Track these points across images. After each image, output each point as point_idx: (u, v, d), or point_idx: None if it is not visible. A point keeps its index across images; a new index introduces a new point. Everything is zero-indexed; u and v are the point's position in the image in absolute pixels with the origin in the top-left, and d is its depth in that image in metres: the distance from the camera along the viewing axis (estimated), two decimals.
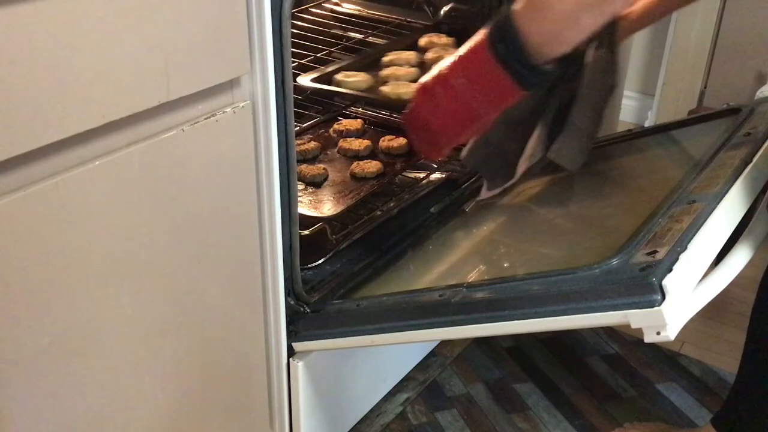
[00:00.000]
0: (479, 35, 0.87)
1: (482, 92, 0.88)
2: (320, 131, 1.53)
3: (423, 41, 1.52)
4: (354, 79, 1.40)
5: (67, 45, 0.68)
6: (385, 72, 1.44)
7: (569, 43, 0.83)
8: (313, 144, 1.45)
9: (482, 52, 0.86)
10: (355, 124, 1.52)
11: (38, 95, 0.67)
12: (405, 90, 1.35)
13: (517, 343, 1.49)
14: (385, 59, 1.48)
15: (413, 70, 1.43)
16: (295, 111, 0.96)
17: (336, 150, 1.46)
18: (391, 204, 1.33)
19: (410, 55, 1.49)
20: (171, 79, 0.78)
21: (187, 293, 0.90)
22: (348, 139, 1.47)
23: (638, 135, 1.34)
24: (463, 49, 0.89)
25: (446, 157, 1.04)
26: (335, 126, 1.52)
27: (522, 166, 1.07)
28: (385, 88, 1.39)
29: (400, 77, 1.41)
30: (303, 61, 1.54)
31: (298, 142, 1.47)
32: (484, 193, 1.17)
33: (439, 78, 0.91)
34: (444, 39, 1.52)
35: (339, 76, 1.40)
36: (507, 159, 1.08)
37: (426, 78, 0.93)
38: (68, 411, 0.81)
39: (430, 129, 0.94)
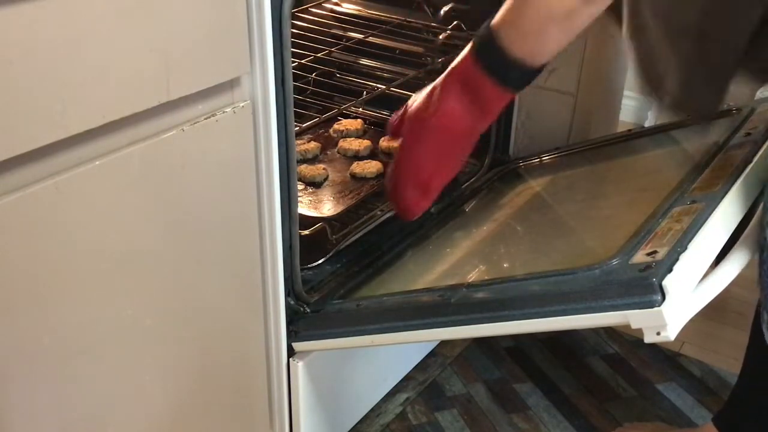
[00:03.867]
0: (463, 53, 0.89)
1: (474, 105, 0.88)
2: (320, 131, 1.52)
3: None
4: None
5: (67, 45, 0.68)
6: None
7: (547, 55, 0.84)
8: (313, 144, 1.45)
9: (469, 67, 0.87)
10: (355, 124, 1.52)
11: (38, 95, 0.67)
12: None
13: (517, 343, 1.49)
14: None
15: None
16: (295, 111, 0.96)
17: (336, 150, 1.46)
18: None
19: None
20: (171, 79, 0.78)
21: (187, 293, 0.90)
22: (348, 139, 1.47)
23: (638, 135, 1.34)
24: (448, 72, 0.89)
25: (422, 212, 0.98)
26: (335, 126, 1.52)
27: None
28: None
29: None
30: (303, 61, 1.54)
31: (298, 142, 1.46)
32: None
33: (426, 102, 0.90)
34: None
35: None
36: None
37: (408, 111, 0.92)
38: (68, 411, 0.81)
39: (419, 163, 0.91)
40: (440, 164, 0.92)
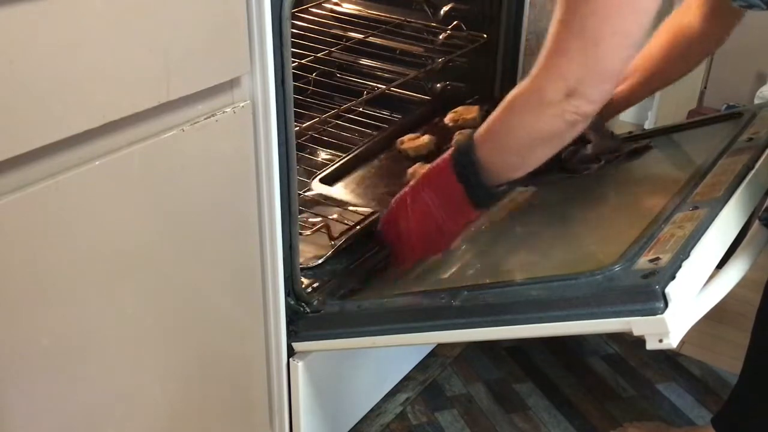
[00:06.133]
0: (447, 154, 0.97)
1: (444, 207, 0.99)
2: (435, 121, 1.41)
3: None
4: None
5: (67, 45, 0.68)
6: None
7: (523, 171, 0.93)
8: (426, 138, 1.35)
9: (446, 172, 0.96)
10: (471, 111, 1.40)
11: (38, 95, 0.67)
12: None
13: (517, 343, 1.49)
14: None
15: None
16: (295, 111, 0.96)
17: (452, 144, 1.32)
18: None
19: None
20: (171, 79, 0.77)
21: (187, 293, 0.90)
22: (464, 131, 1.35)
23: (639, 137, 1.33)
24: (432, 166, 1.00)
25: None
26: (450, 115, 1.41)
27: None
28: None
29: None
30: (303, 61, 1.54)
31: (410, 136, 1.37)
32: None
33: (411, 190, 1.02)
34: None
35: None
36: None
37: (402, 191, 1.04)
38: (68, 411, 0.81)
39: (401, 237, 1.04)
40: (416, 250, 1.06)
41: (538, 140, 0.88)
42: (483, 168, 0.92)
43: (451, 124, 1.42)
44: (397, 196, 1.04)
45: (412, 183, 1.03)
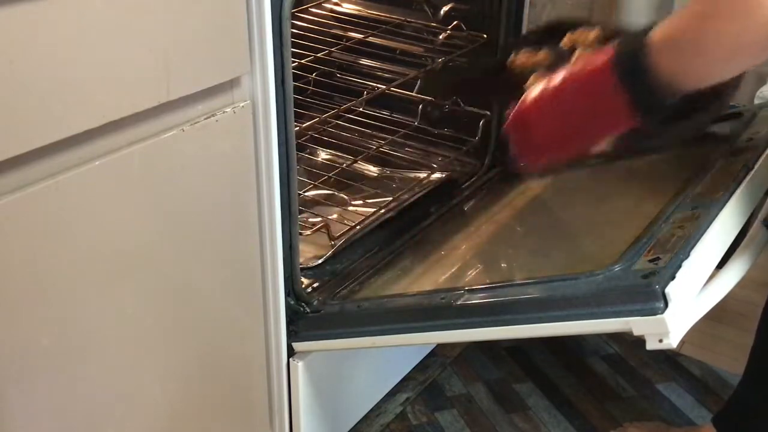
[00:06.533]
0: (603, 53, 0.84)
1: (596, 109, 0.85)
2: (552, 41, 1.27)
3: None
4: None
5: (67, 45, 0.68)
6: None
7: (715, 82, 0.79)
8: (545, 52, 1.23)
9: (605, 74, 0.83)
10: (590, 34, 1.24)
11: (38, 95, 0.67)
12: None
13: (517, 343, 1.49)
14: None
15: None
16: (295, 111, 0.96)
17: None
18: (392, 204, 1.32)
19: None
20: (171, 79, 0.77)
21: (187, 293, 0.90)
22: (584, 49, 1.20)
23: None
24: (583, 63, 0.87)
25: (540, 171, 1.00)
26: (567, 37, 1.24)
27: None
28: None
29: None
30: (303, 61, 1.54)
31: (525, 53, 1.25)
32: None
33: (553, 89, 0.89)
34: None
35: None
36: None
37: (536, 88, 0.90)
38: (68, 411, 0.81)
39: (532, 135, 0.91)
40: (547, 153, 0.91)
41: (745, 49, 0.74)
42: (657, 74, 0.79)
43: (566, 48, 1.34)
44: (532, 92, 0.91)
45: (552, 80, 0.89)
